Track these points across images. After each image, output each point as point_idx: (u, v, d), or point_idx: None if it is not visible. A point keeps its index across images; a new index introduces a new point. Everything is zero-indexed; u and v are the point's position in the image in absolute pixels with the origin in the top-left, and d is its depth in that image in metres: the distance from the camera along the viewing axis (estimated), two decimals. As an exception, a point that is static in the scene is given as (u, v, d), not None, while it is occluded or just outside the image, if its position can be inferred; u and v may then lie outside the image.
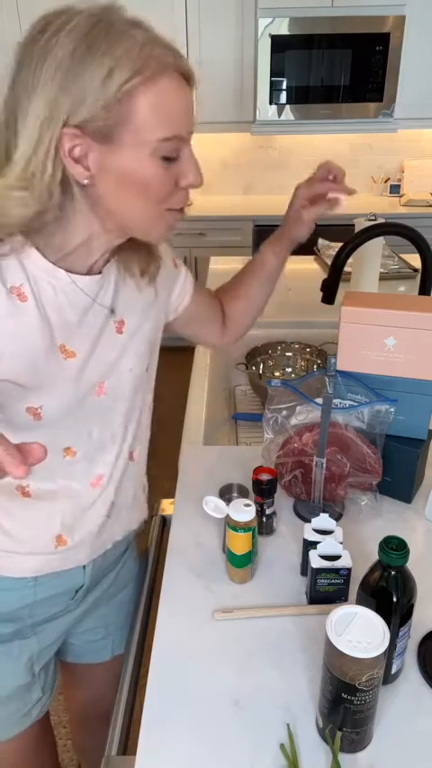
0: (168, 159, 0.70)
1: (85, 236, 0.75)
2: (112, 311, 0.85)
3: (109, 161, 0.68)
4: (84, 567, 0.95)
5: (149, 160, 0.69)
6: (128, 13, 0.67)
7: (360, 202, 3.69)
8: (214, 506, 0.90)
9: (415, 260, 2.09)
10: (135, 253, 0.85)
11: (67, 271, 0.77)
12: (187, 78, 0.70)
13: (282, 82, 3.27)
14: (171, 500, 1.10)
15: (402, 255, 2.24)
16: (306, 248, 2.40)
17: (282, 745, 0.69)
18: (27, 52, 0.65)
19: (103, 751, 0.77)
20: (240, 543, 0.87)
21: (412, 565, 0.71)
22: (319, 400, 0.96)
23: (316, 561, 0.83)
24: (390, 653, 0.72)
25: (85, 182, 0.69)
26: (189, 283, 1.03)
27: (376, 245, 1.71)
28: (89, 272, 0.80)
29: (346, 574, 0.83)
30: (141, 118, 0.66)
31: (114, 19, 0.65)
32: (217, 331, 1.13)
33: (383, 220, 1.56)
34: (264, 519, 0.98)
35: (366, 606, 0.68)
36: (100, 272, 0.82)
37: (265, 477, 0.96)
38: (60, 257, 0.76)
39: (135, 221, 0.76)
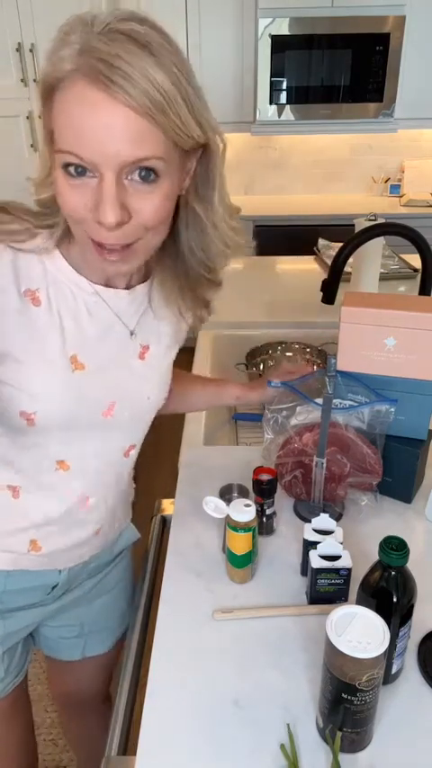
0: (73, 176, 0.62)
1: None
2: (132, 333, 0.82)
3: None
4: (59, 571, 0.94)
5: (58, 173, 0.64)
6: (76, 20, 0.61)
7: (360, 202, 3.69)
8: (214, 506, 0.90)
9: (415, 260, 2.09)
10: (186, 291, 0.82)
11: (89, 280, 0.75)
12: (104, 84, 0.58)
13: (282, 82, 3.26)
14: (171, 500, 1.10)
15: (402, 255, 2.24)
16: (306, 248, 2.42)
17: (282, 745, 0.69)
18: None
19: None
20: (240, 543, 0.87)
21: (412, 565, 0.71)
22: (319, 400, 0.96)
23: (316, 561, 0.83)
24: (390, 653, 0.72)
25: None
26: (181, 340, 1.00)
27: (376, 245, 1.71)
28: (108, 284, 0.78)
29: (346, 574, 0.83)
30: (54, 126, 0.63)
31: (68, 30, 0.60)
32: None
33: (383, 220, 1.56)
34: (264, 519, 0.98)
35: (366, 606, 0.68)
36: (126, 288, 0.80)
37: (265, 477, 0.96)
38: (80, 265, 0.75)
39: (76, 238, 0.70)
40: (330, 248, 2.32)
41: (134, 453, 0.93)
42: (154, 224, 0.66)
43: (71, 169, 0.62)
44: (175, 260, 0.79)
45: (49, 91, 0.62)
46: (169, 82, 0.59)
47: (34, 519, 0.87)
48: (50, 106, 0.63)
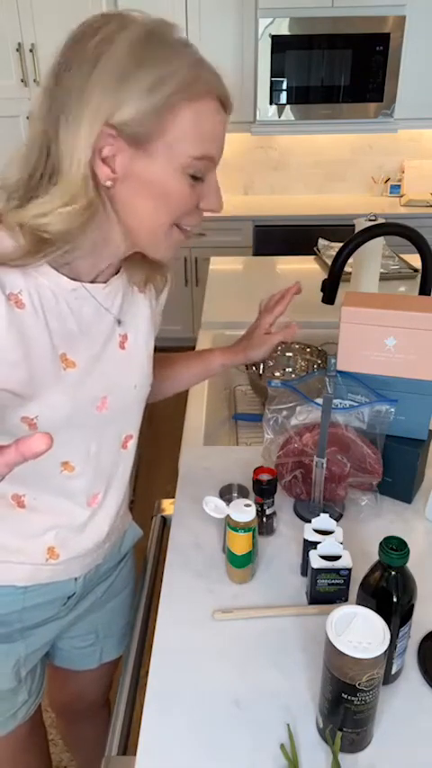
0: (195, 178, 0.72)
1: (96, 242, 0.74)
2: (119, 321, 0.84)
3: (136, 166, 0.69)
4: (75, 578, 0.94)
5: (177, 175, 0.70)
6: (176, 32, 0.71)
7: (360, 202, 3.70)
8: (214, 506, 0.90)
9: (415, 260, 2.09)
10: (141, 265, 0.86)
11: (73, 278, 0.76)
12: (225, 106, 0.72)
13: (282, 82, 3.27)
14: (171, 500, 1.10)
15: (402, 255, 2.24)
16: (306, 248, 2.42)
17: (282, 745, 0.69)
18: (77, 52, 0.66)
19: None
20: (240, 543, 0.87)
21: (412, 565, 0.71)
22: (320, 400, 0.96)
23: (316, 561, 0.83)
24: (390, 653, 0.72)
25: (108, 183, 0.69)
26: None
27: (376, 245, 1.71)
28: (94, 281, 0.79)
29: (346, 574, 0.83)
30: (179, 132, 0.68)
31: (167, 33, 0.68)
32: None
33: (383, 220, 1.56)
34: (264, 519, 0.98)
35: (366, 606, 0.68)
36: (105, 282, 0.81)
37: (265, 477, 0.96)
38: (66, 263, 0.75)
39: (143, 231, 0.75)
40: (330, 248, 2.32)
41: (132, 444, 0.94)
42: None
43: (196, 173, 0.72)
44: None
45: (178, 99, 0.67)
46: None
47: (47, 524, 0.87)
48: (174, 111, 0.67)
